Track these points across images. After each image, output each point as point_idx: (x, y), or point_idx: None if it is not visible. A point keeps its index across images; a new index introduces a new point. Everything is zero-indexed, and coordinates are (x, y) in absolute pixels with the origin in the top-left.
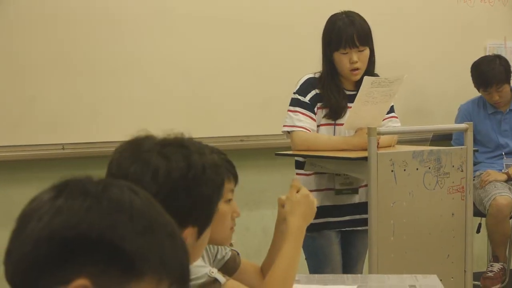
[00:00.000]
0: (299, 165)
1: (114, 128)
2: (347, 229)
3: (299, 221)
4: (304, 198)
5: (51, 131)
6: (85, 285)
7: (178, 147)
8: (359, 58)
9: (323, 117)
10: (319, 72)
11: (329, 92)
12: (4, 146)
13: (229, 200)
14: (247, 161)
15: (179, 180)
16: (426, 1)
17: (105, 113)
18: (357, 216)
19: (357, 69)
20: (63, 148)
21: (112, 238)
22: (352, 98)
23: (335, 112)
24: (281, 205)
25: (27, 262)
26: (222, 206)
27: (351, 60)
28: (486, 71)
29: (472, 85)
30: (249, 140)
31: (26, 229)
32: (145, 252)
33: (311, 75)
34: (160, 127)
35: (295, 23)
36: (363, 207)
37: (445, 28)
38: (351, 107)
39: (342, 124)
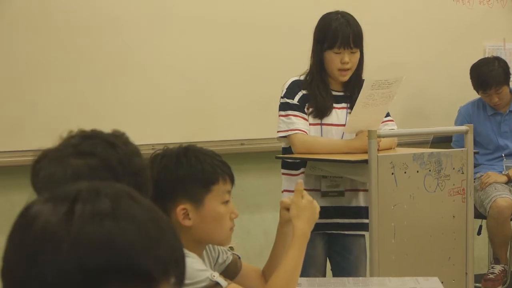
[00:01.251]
0: (285, 165)
1: None
2: (332, 232)
3: (305, 226)
4: (310, 204)
5: (52, 136)
6: None
7: (101, 140)
8: (350, 59)
9: (309, 115)
10: (304, 74)
11: (316, 90)
12: (5, 151)
13: (227, 202)
14: (247, 165)
15: (141, 162)
16: (425, 3)
17: (106, 117)
18: (347, 220)
19: (347, 69)
20: None
21: (132, 260)
22: (338, 99)
23: (320, 111)
24: (284, 208)
25: None
26: (219, 207)
27: (342, 60)
28: (485, 73)
29: (472, 87)
30: (249, 143)
31: (42, 259)
32: (160, 263)
33: (296, 78)
34: (162, 131)
35: (297, 25)
36: (351, 212)
37: (444, 30)
38: (336, 107)
39: (328, 124)
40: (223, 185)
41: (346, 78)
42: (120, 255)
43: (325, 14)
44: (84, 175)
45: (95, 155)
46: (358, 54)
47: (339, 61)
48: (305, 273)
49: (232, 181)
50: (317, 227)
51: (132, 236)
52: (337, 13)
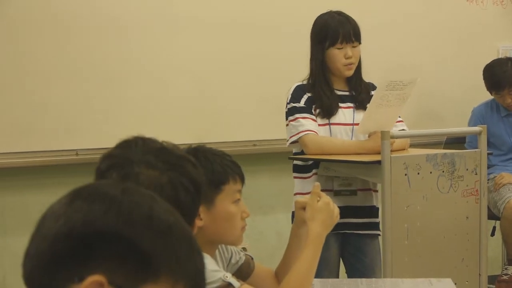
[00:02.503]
0: (296, 169)
1: (127, 133)
2: (346, 231)
3: (319, 228)
4: (326, 206)
5: (64, 137)
6: (100, 281)
7: (182, 157)
8: (352, 53)
9: (316, 116)
10: (306, 79)
11: (320, 91)
12: (19, 152)
13: (237, 201)
14: (260, 166)
15: None
16: (439, 3)
17: (118, 118)
18: (360, 220)
19: (352, 63)
20: (76, 154)
21: (129, 235)
22: (343, 98)
23: (327, 111)
24: (299, 208)
25: (44, 259)
26: (230, 207)
27: (346, 55)
28: (498, 74)
29: (485, 87)
30: (262, 144)
31: (43, 228)
32: (162, 252)
33: (299, 83)
34: (174, 132)
35: (309, 25)
36: (363, 211)
37: (458, 31)
38: (343, 107)
39: (336, 124)
40: (234, 184)
41: (351, 72)
42: (112, 227)
43: (319, 16)
44: (167, 189)
45: (183, 174)
46: (359, 49)
47: (343, 56)
48: (318, 275)
49: (242, 180)
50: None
51: (131, 217)
52: (331, 12)
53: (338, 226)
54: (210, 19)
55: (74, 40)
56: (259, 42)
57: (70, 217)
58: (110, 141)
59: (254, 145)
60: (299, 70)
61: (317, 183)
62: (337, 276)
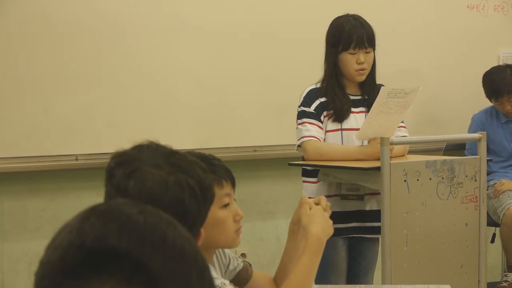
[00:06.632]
0: (305, 173)
1: (128, 138)
2: (354, 235)
3: (318, 232)
4: (319, 210)
5: (64, 142)
6: None
7: (194, 163)
8: (365, 59)
9: (328, 119)
10: (320, 81)
11: (333, 94)
12: (18, 157)
13: (226, 205)
14: (260, 171)
15: None
16: (439, 10)
17: (118, 123)
18: (368, 224)
19: (364, 69)
20: (76, 159)
21: (140, 255)
22: (356, 103)
23: (339, 114)
24: (301, 203)
25: (53, 269)
26: (218, 213)
27: (358, 60)
28: (497, 81)
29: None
30: (262, 150)
31: (56, 240)
32: (170, 277)
33: (313, 86)
34: (174, 138)
35: (309, 33)
36: (371, 215)
37: (458, 37)
38: (355, 111)
39: (348, 129)
40: (220, 189)
41: (363, 77)
42: (124, 245)
43: (335, 18)
44: (175, 189)
45: (191, 176)
46: (372, 54)
47: (355, 62)
48: (325, 279)
49: (232, 182)
50: (339, 231)
51: (145, 237)
52: (347, 16)
53: (346, 231)
54: (214, 25)
55: (75, 44)
56: (261, 48)
57: (83, 230)
58: (110, 146)
59: (255, 150)
60: (301, 76)
61: (304, 194)
62: (345, 280)
